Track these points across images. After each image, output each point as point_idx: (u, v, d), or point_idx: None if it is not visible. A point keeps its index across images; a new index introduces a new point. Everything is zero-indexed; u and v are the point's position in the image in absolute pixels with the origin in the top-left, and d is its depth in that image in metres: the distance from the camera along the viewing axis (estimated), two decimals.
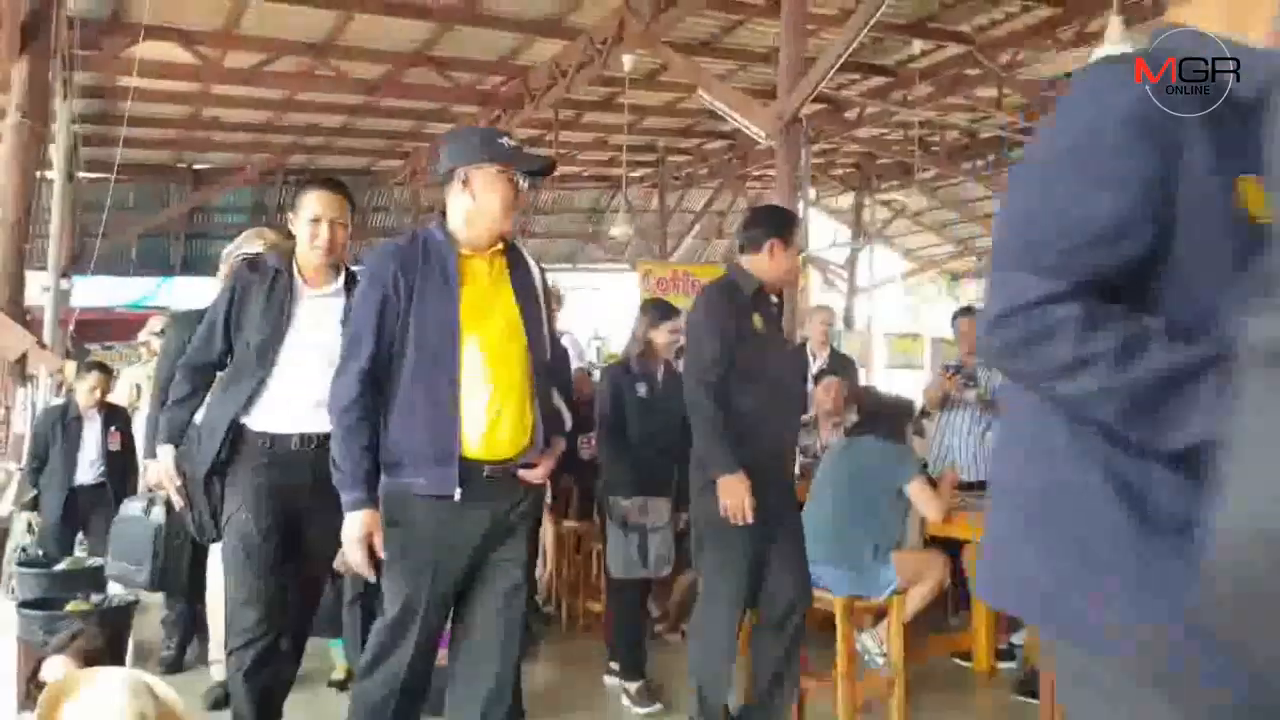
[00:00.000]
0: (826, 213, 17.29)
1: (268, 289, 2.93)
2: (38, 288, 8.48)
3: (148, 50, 8.12)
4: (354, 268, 3.06)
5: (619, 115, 10.86)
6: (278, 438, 2.88)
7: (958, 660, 4.46)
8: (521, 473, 2.47)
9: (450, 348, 2.37)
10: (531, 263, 2.65)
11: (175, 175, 14.18)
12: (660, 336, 4.35)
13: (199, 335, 3.04)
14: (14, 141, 5.34)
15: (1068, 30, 8.69)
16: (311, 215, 2.95)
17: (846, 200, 16.88)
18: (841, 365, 5.84)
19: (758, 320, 3.27)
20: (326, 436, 2.58)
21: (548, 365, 2.60)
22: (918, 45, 9.72)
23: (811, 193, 15.99)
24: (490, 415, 2.39)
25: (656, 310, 4.49)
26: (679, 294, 12.68)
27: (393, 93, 10.51)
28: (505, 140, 2.51)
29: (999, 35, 9.34)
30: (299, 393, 2.86)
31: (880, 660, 3.80)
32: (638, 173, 15.17)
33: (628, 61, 8.56)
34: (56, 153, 8.83)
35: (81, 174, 11.64)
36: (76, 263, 10.20)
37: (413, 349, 2.38)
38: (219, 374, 3.07)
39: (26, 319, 6.57)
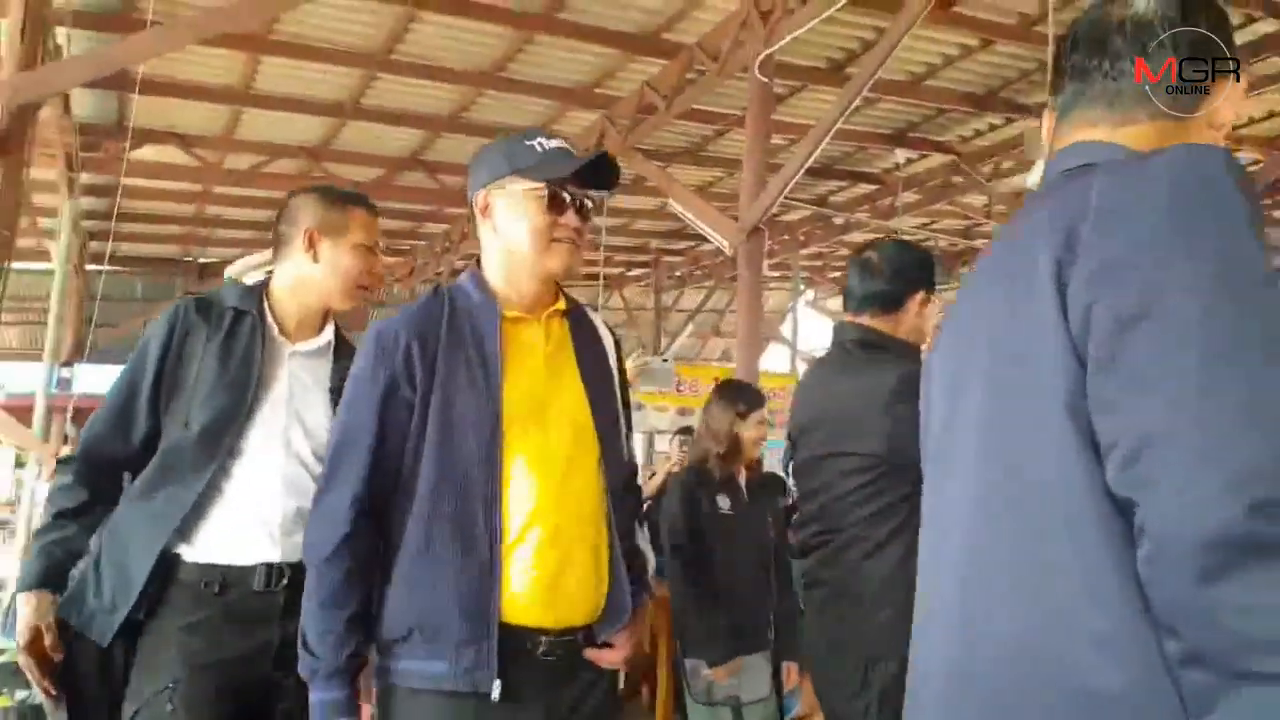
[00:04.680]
0: (824, 314, 17.42)
1: (222, 340, 1.89)
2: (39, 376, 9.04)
3: (149, 153, 8.81)
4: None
5: (611, 218, 11.11)
6: (232, 573, 1.82)
7: None
8: (592, 653, 1.63)
9: (491, 461, 1.56)
10: (604, 331, 1.83)
11: (181, 268, 14.65)
12: (749, 431, 3.31)
13: (106, 411, 1.91)
14: None
15: None
16: (365, 239, 2.01)
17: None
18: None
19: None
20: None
21: (625, 486, 1.78)
22: (901, 154, 9.94)
23: (810, 294, 16.16)
24: (550, 563, 1.57)
25: (742, 396, 3.36)
26: (670, 394, 12.73)
27: (385, 195, 10.85)
28: (539, 142, 1.68)
29: (983, 145, 9.54)
30: (269, 503, 1.84)
31: None
32: (633, 272, 15.41)
33: None
34: (57, 247, 9.58)
35: (90, 266, 12.11)
36: (81, 352, 10.61)
37: (433, 464, 1.55)
38: (134, 475, 1.92)
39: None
